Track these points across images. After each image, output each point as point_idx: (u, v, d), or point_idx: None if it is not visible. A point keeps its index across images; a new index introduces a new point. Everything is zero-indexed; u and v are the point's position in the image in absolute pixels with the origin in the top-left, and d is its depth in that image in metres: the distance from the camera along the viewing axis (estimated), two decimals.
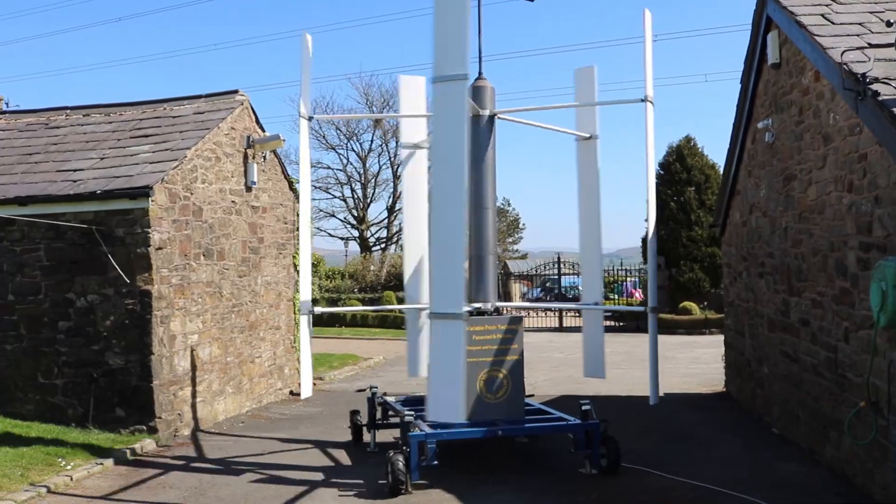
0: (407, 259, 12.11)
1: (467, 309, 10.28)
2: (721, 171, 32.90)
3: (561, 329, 31.93)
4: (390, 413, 11.81)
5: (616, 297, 46.96)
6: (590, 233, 11.22)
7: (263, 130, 15.10)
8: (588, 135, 11.04)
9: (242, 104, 14.32)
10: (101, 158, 12.91)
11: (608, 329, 32.58)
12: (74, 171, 12.61)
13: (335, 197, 46.35)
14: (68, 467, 10.02)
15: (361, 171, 45.61)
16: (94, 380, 11.86)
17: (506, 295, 41.34)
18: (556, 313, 33.35)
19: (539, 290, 48.40)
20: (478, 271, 10.44)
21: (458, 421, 8.76)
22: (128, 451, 10.88)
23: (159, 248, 11.81)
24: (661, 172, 32.44)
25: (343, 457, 11.25)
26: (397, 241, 50.50)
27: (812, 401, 10.49)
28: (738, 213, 14.45)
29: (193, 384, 12.73)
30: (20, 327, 12.19)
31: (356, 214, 46.06)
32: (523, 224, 59.98)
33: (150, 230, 11.62)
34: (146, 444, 11.33)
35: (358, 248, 45.30)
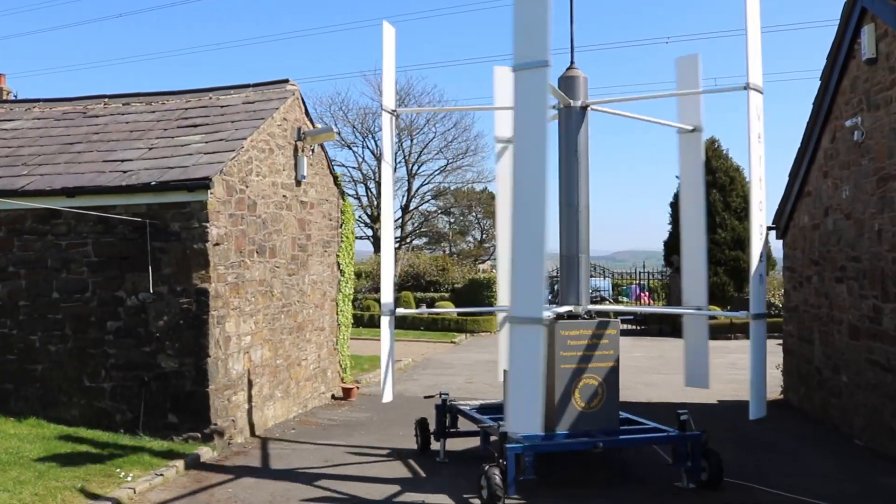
0: (501, 261, 11.41)
1: (563, 311, 9.72)
2: (746, 173, 32.61)
3: None
4: (457, 420, 11.20)
5: (625, 299, 46.56)
6: (693, 231, 10.58)
7: (312, 122, 14.44)
8: (692, 126, 10.37)
9: (294, 94, 13.66)
10: (150, 149, 12.22)
11: (627, 332, 32.28)
12: (122, 161, 11.91)
13: (349, 195, 45.76)
14: (128, 479, 9.32)
15: (376, 170, 44.93)
16: (145, 383, 11.17)
17: None
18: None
19: (548, 293, 47.85)
20: (569, 272, 9.82)
21: (534, 433, 8.22)
22: (187, 461, 10.20)
23: (217, 244, 11.13)
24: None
25: (414, 468, 10.60)
26: (411, 241, 49.86)
27: None
28: (808, 215, 13.90)
29: (248, 388, 12.06)
30: (65, 327, 11.47)
31: (370, 213, 45.35)
32: None
33: (207, 225, 10.94)
34: (204, 453, 10.64)
35: (371, 248, 44.65)
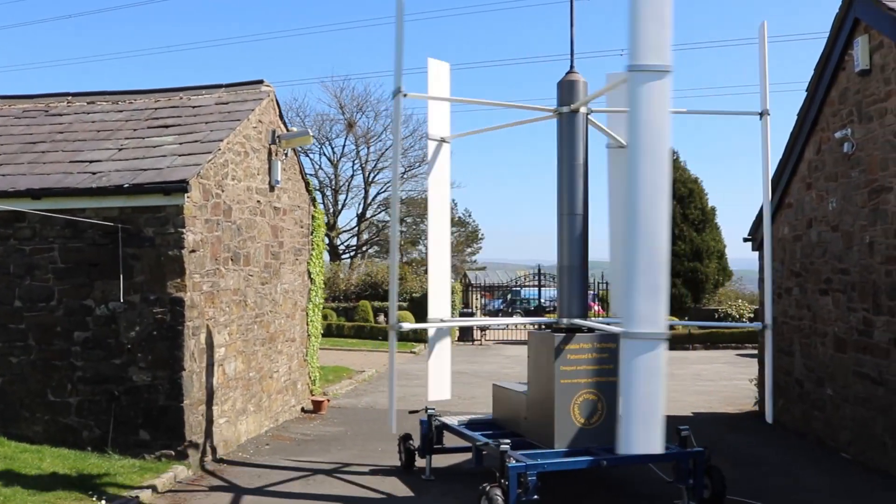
0: (433, 270, 10.88)
1: (568, 323, 9.42)
2: (703, 185, 32.91)
3: None
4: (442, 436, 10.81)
5: None
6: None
7: (286, 125, 13.94)
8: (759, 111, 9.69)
9: (269, 95, 13.15)
10: (120, 149, 11.60)
11: None
12: (91, 162, 11.28)
13: None
14: (102, 502, 8.72)
15: (333, 177, 44.27)
16: (115, 398, 10.55)
17: (467, 307, 40.46)
18: (524, 326, 32.65)
19: (500, 301, 47.70)
20: (570, 284, 9.51)
21: (657, 452, 7.73)
22: (163, 481, 9.61)
23: (192, 251, 10.58)
24: None
25: (400, 487, 10.17)
26: (367, 250, 49.20)
27: None
28: (788, 226, 13.85)
29: (222, 403, 11.50)
30: (28, 337, 10.79)
31: (327, 221, 44.59)
32: (482, 235, 59.23)
33: (183, 230, 10.39)
34: (179, 472, 10.07)
35: (327, 257, 43.91)
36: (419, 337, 29.96)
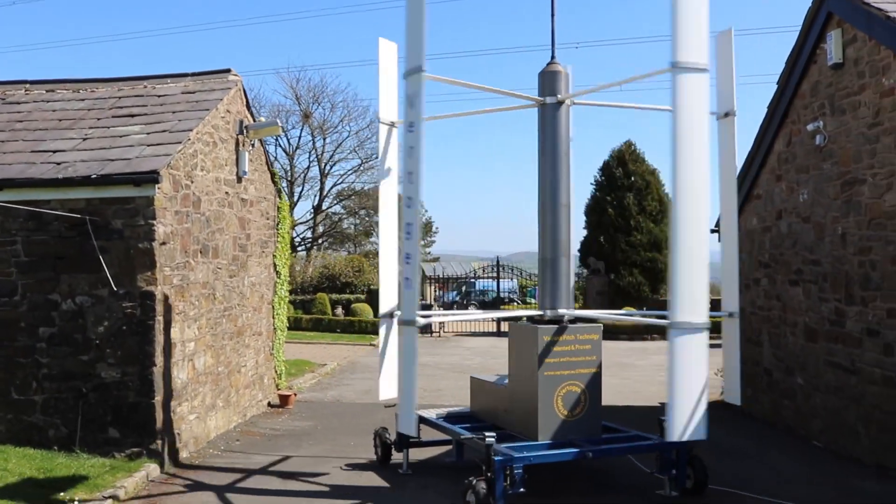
0: (384, 260, 10.64)
1: (546, 314, 9.36)
2: (661, 177, 33.17)
3: (499, 334, 31.25)
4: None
5: (532, 301, 46.92)
6: (728, 224, 10.17)
7: (253, 116, 13.66)
8: (725, 112, 9.74)
9: (237, 85, 12.85)
10: (84, 139, 11.23)
11: None
12: (54, 152, 10.90)
13: None
14: (74, 503, 8.45)
15: (288, 168, 43.65)
16: (83, 395, 10.22)
17: (422, 300, 40.36)
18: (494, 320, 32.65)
19: (455, 293, 47.67)
20: (552, 275, 9.45)
21: (700, 438, 7.90)
22: (136, 480, 9.34)
23: (163, 243, 10.29)
24: (602, 177, 32.21)
25: (377, 481, 10.03)
26: (323, 242, 48.69)
27: (884, 416, 10.00)
28: (756, 218, 13.98)
29: (192, 398, 11.23)
30: None
31: None
32: (436, 227, 59.13)
33: (154, 222, 10.09)
34: (152, 470, 9.79)
35: None
36: (378, 329, 29.77)
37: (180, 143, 10.74)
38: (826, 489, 9.48)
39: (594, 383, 9.27)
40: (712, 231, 15.91)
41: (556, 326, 9.17)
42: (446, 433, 10.16)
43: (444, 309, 41.08)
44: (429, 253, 61.16)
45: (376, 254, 48.97)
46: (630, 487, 9.55)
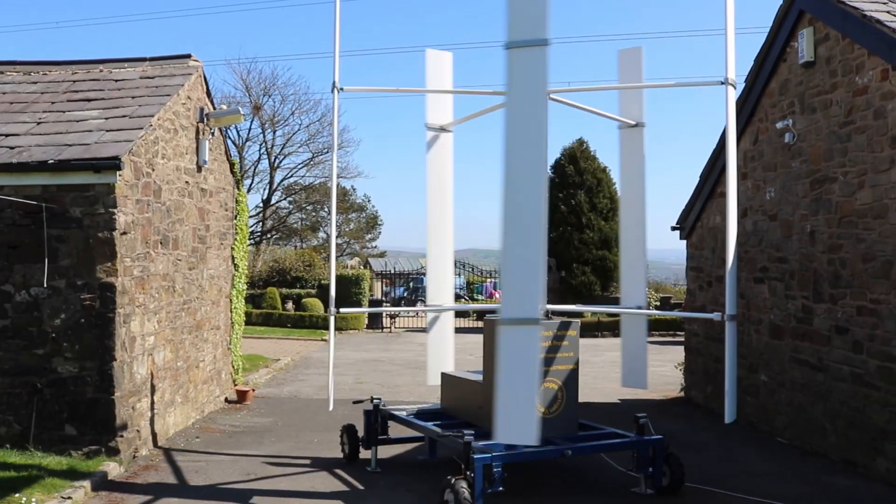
0: (431, 255, 10.74)
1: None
2: (613, 175, 33.37)
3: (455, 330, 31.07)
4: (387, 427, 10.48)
5: (480, 297, 46.89)
6: (633, 228, 10.30)
7: (213, 104, 13.25)
8: (635, 122, 10.12)
9: (197, 71, 12.44)
10: (38, 123, 10.74)
11: (475, 331, 32.14)
12: (6, 136, 10.38)
13: None
14: None
15: (238, 161, 42.69)
16: (38, 391, 9.75)
17: (373, 295, 40.04)
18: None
19: (403, 289, 47.37)
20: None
21: (531, 443, 7.58)
22: (95, 479, 8.93)
23: (124, 233, 9.88)
24: (553, 175, 32.25)
25: (346, 479, 9.77)
26: (272, 236, 47.94)
27: (852, 412, 10.08)
28: (720, 215, 14.04)
29: (152, 394, 10.83)
30: None
31: None
32: (382, 222, 58.78)
33: (115, 211, 9.67)
34: (111, 469, 9.39)
35: None
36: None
37: (142, 128, 10.32)
38: (798, 485, 9.52)
39: (571, 380, 9.15)
40: (673, 228, 16.04)
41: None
42: (418, 430, 9.94)
43: (393, 305, 40.78)
44: (375, 247, 60.80)
45: (322, 248, 48.57)
46: (605, 485, 9.46)
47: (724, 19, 8.61)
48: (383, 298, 40.47)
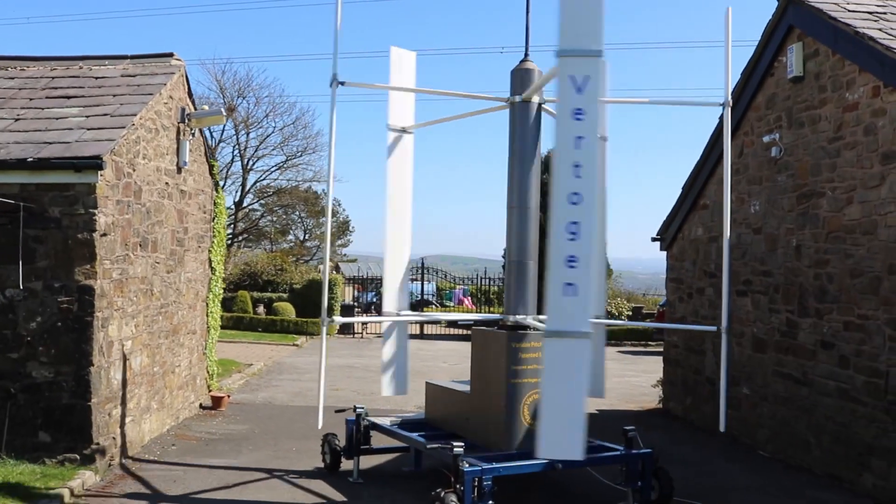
0: (388, 262, 10.38)
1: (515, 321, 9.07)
2: None
3: (422, 337, 30.96)
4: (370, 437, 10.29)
5: (450, 304, 46.74)
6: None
7: (194, 104, 13.00)
8: (598, 136, 9.93)
9: (179, 70, 12.19)
10: (16, 119, 10.44)
11: (447, 337, 32.09)
12: None
13: None
14: None
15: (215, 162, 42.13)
16: (11, 396, 9.44)
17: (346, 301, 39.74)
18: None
19: (373, 294, 47.11)
20: (518, 280, 9.17)
21: (576, 458, 7.35)
22: (72, 489, 8.65)
23: (104, 235, 9.61)
24: None
25: (328, 490, 9.57)
26: (245, 239, 47.36)
27: (837, 427, 10.09)
28: (702, 227, 14.06)
29: (128, 400, 10.55)
30: None
31: None
32: (353, 227, 58.42)
33: (95, 211, 9.41)
34: (87, 478, 9.11)
35: None
36: (301, 329, 29.11)
37: (124, 127, 10.07)
38: (784, 499, 9.50)
39: None
40: (654, 239, 16.03)
41: (525, 332, 8.91)
42: (403, 441, 9.79)
43: (363, 310, 40.52)
44: (345, 255, 60.39)
45: (290, 252, 48.13)
46: (591, 498, 9.37)
47: (725, 41, 8.66)
48: (354, 303, 40.21)
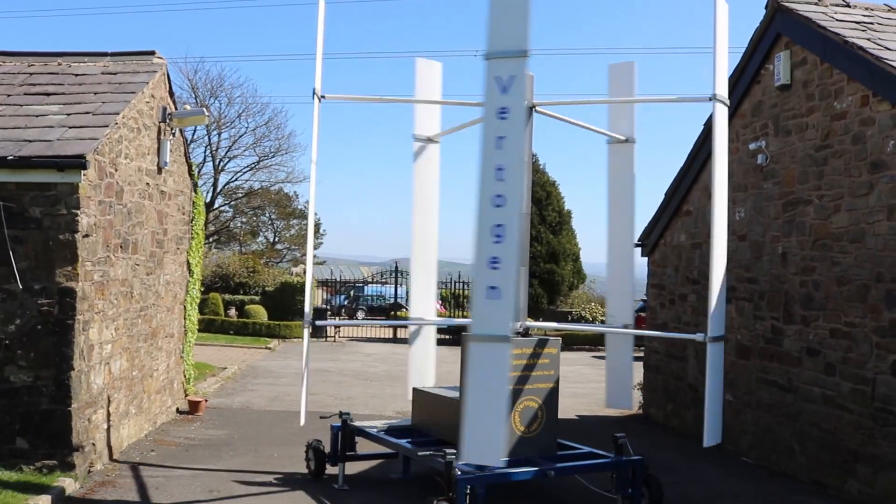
0: (414, 268, 10.45)
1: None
2: (561, 189, 33.56)
3: (395, 341, 30.80)
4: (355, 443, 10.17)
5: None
6: (620, 246, 10.19)
7: (175, 103, 12.79)
8: (624, 137, 10.02)
9: (161, 69, 11.97)
10: None
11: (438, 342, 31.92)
12: None
13: None
14: None
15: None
16: None
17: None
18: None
19: (343, 297, 46.85)
20: None
21: (495, 464, 7.48)
22: (52, 496, 8.42)
23: (86, 236, 9.39)
24: None
25: (316, 497, 9.43)
26: (217, 240, 46.83)
27: (822, 434, 10.13)
28: (685, 234, 14.09)
29: (108, 405, 10.32)
30: None
31: None
32: (324, 230, 58.04)
33: (78, 212, 9.19)
34: (67, 485, 8.88)
35: None
36: (274, 332, 28.83)
37: (107, 126, 9.85)
38: None
39: (551, 399, 8.99)
40: (635, 245, 16.02)
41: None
42: (391, 448, 9.68)
43: (334, 313, 40.25)
44: (315, 256, 60.00)
45: (260, 254, 47.70)
46: None
47: (714, 34, 8.55)
48: (325, 307, 39.96)
